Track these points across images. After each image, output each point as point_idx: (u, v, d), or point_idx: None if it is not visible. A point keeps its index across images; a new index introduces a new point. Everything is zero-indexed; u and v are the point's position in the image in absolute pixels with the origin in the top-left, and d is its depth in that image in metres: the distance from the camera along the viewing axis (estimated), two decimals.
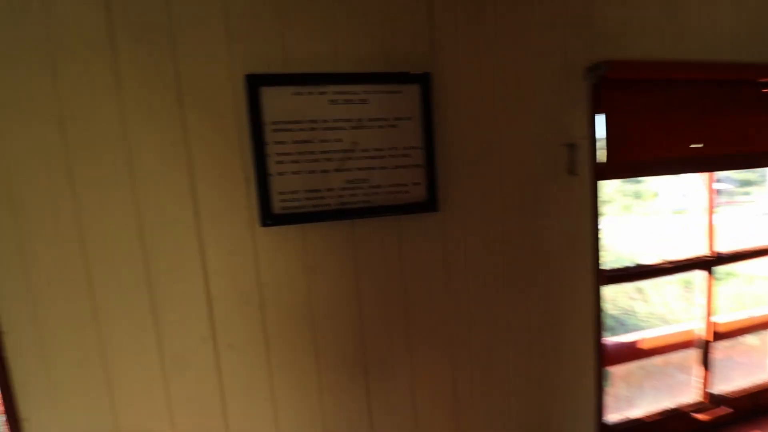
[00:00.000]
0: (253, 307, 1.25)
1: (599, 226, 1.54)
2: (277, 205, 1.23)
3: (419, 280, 1.37)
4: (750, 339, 2.17)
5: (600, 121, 1.50)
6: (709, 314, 1.89)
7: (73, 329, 1.14)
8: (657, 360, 1.99)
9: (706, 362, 1.90)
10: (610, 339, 1.77)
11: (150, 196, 1.16)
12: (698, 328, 1.91)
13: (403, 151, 1.30)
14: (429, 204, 1.32)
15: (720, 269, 1.90)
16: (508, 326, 1.47)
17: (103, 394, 1.17)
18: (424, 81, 1.29)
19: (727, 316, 2.00)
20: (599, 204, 1.54)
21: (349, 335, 1.33)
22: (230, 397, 1.26)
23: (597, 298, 1.58)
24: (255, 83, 1.18)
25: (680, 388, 1.96)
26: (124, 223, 1.15)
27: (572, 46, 1.44)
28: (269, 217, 1.22)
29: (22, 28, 1.06)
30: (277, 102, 1.21)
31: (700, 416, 1.86)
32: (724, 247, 1.89)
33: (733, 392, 1.94)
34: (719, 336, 1.93)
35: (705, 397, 1.90)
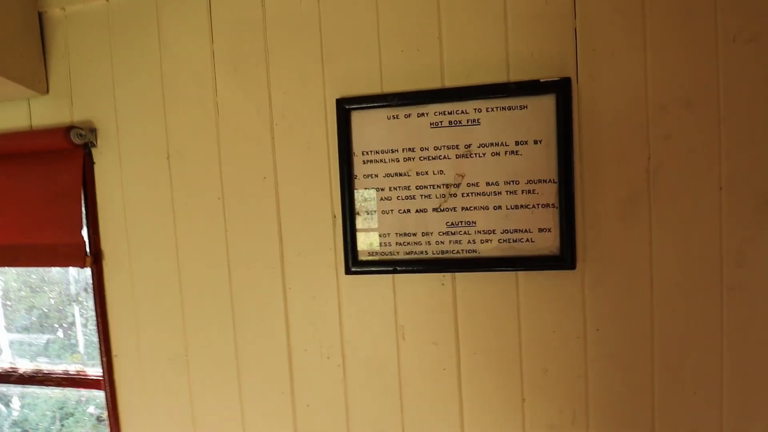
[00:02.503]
0: (333, 363, 1.09)
1: None
2: (365, 250, 1.04)
3: (543, 362, 1.00)
4: None
5: None
6: None
7: (167, 361, 1.16)
8: None
9: None
10: None
11: (237, 233, 1.11)
12: None
13: (527, 185, 0.97)
14: (563, 259, 0.95)
15: None
16: None
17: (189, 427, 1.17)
18: (562, 90, 0.93)
19: None
20: None
21: (439, 415, 1.05)
22: None
23: None
24: (346, 107, 1.03)
25: None
26: (215, 260, 1.13)
27: None
28: (355, 262, 1.05)
29: (144, 68, 1.14)
30: (369, 128, 1.03)
31: None
32: None
33: None
34: None
35: None
